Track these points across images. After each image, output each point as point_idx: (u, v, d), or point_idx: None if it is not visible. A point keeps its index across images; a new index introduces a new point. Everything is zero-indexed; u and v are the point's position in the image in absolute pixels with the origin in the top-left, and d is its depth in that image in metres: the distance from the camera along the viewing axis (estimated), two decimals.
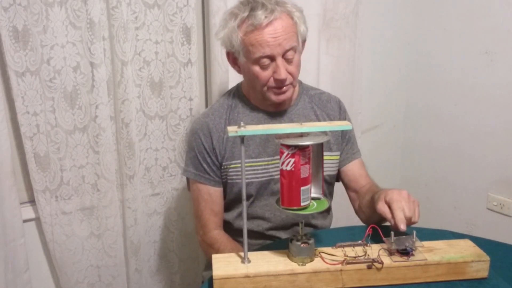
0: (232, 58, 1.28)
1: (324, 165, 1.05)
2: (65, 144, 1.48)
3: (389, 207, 1.06)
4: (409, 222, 1.04)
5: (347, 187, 1.42)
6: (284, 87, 1.23)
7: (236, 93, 1.36)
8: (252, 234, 1.32)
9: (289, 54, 1.19)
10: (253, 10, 1.17)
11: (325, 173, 1.11)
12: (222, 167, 1.30)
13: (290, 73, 1.21)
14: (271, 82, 1.22)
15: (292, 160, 0.93)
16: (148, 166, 1.65)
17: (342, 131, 1.37)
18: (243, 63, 1.23)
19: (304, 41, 1.28)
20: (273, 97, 1.25)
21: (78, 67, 1.43)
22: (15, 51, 1.33)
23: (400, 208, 1.04)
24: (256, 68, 1.21)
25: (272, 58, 1.19)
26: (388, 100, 2.26)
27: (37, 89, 1.39)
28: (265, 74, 1.21)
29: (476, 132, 1.99)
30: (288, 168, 0.93)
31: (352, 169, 1.39)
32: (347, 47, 1.90)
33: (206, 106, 1.75)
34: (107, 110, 1.49)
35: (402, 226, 1.02)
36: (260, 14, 1.15)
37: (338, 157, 1.37)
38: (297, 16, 1.21)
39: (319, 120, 1.35)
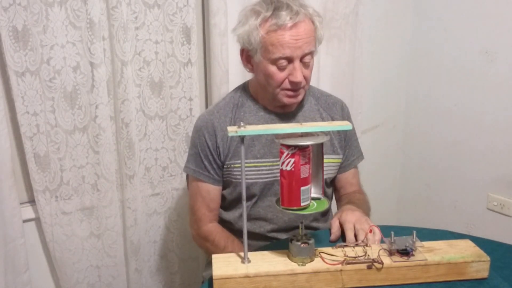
0: (246, 56, 1.27)
1: (326, 168, 1.05)
2: (65, 144, 1.48)
3: (342, 226, 1.16)
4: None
5: (335, 188, 1.44)
6: (298, 90, 1.23)
7: (243, 92, 1.34)
8: (254, 235, 1.32)
9: (307, 58, 1.19)
10: (278, 10, 1.16)
11: (325, 175, 1.11)
12: (226, 166, 1.30)
13: (304, 77, 1.21)
14: (286, 84, 1.21)
15: (292, 160, 0.92)
16: (148, 166, 1.65)
17: (345, 136, 1.37)
18: (259, 62, 1.22)
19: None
20: (285, 99, 1.24)
21: (78, 67, 1.43)
22: (15, 51, 1.33)
23: (351, 229, 1.13)
24: (273, 68, 1.20)
25: (290, 60, 1.18)
26: (388, 100, 2.26)
27: (37, 89, 1.39)
28: (281, 75, 1.20)
29: (476, 132, 1.99)
30: (288, 168, 0.93)
31: (347, 177, 1.41)
32: (347, 47, 1.90)
33: (206, 106, 1.75)
34: (107, 110, 1.48)
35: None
36: (285, 15, 1.15)
37: (340, 160, 1.38)
38: (318, 20, 1.21)
39: None
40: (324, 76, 1.87)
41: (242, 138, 0.94)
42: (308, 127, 0.96)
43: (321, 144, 1.00)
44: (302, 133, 0.96)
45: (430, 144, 2.21)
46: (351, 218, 1.15)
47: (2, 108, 1.34)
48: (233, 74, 1.64)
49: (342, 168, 1.40)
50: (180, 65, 1.60)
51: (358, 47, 1.94)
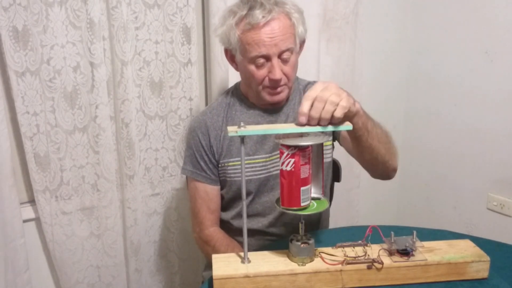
0: (230, 55, 1.29)
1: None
2: (65, 144, 1.48)
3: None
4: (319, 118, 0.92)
5: (348, 151, 1.34)
6: (279, 88, 1.23)
7: (235, 91, 1.37)
8: (253, 232, 1.32)
9: (285, 55, 1.19)
10: (252, 9, 1.17)
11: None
12: (220, 165, 1.31)
13: (285, 74, 1.21)
14: (266, 82, 1.22)
15: (292, 160, 0.92)
16: (148, 166, 1.65)
17: None
18: (240, 61, 1.24)
19: (302, 42, 1.27)
20: (268, 97, 1.25)
21: (78, 67, 1.43)
22: (15, 51, 1.33)
23: (309, 98, 0.92)
24: (252, 67, 1.21)
25: (267, 58, 1.19)
26: (388, 101, 2.26)
27: (37, 89, 1.39)
28: (260, 73, 1.21)
29: (476, 132, 1.99)
30: (288, 168, 0.93)
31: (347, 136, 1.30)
32: (347, 47, 1.90)
33: (206, 106, 1.75)
34: (107, 110, 1.49)
35: (300, 119, 0.93)
36: (258, 14, 1.16)
37: (330, 142, 1.36)
38: (296, 17, 1.21)
39: None
40: (324, 76, 1.87)
41: (242, 138, 0.94)
42: (308, 127, 0.95)
43: (321, 144, 1.00)
44: (301, 132, 0.96)
45: (430, 144, 2.20)
46: (318, 86, 0.93)
47: (2, 108, 1.34)
48: (233, 73, 1.64)
49: (335, 132, 1.32)
50: (180, 65, 1.60)
51: (358, 47, 1.94)
